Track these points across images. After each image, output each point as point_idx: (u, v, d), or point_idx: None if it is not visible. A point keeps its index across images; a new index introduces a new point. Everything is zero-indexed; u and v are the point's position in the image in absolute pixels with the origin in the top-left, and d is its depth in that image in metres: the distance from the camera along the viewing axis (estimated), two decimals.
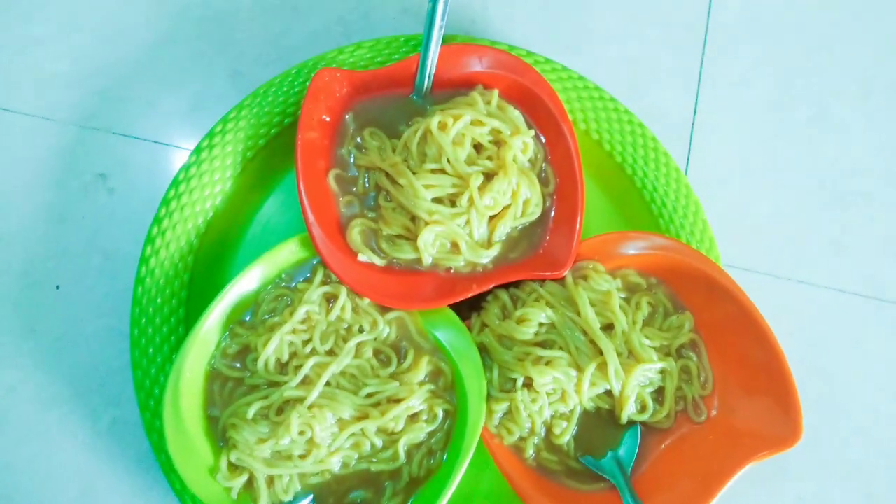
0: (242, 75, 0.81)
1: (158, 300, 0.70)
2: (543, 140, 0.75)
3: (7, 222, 0.76)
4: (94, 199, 0.77)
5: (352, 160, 0.73)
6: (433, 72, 0.74)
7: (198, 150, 0.72)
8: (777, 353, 0.66)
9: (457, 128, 0.71)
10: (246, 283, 0.69)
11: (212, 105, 0.79)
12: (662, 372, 0.69)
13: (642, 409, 0.69)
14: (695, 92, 0.83)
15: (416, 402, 0.67)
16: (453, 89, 0.75)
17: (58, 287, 0.75)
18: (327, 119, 0.73)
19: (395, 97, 0.75)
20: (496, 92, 0.74)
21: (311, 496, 0.66)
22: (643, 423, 0.70)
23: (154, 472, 0.72)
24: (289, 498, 0.65)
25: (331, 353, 0.68)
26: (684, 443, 0.69)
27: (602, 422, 0.70)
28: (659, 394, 0.70)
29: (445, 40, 0.75)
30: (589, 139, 0.77)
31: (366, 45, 0.77)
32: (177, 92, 0.80)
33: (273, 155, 0.75)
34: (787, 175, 0.82)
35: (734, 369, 0.69)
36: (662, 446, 0.69)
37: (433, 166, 0.70)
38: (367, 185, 0.73)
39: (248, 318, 0.70)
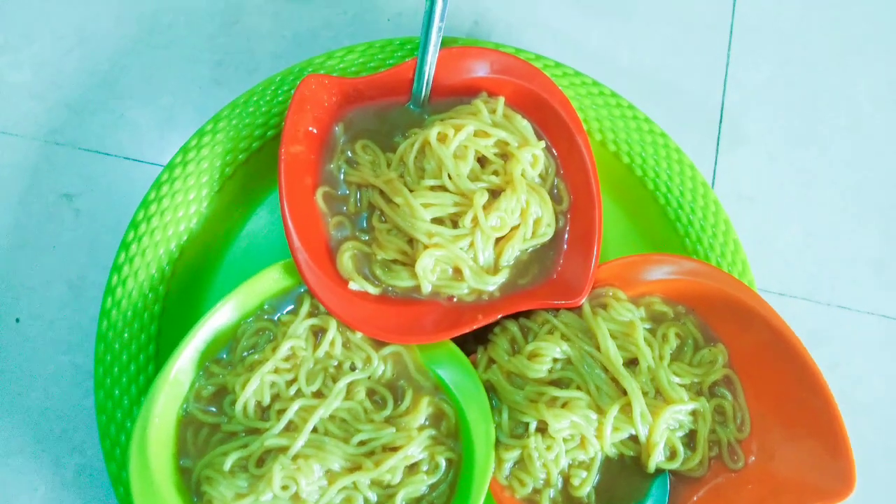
0: (221, 86, 0.73)
1: (125, 335, 0.62)
2: (555, 153, 0.67)
3: None
4: (59, 221, 0.69)
5: (342, 177, 0.66)
6: (431, 78, 0.67)
7: (170, 167, 0.65)
8: (822, 389, 0.59)
9: (458, 139, 0.63)
10: (223, 315, 0.61)
11: (187, 118, 0.72)
12: (694, 413, 0.61)
13: (672, 455, 0.61)
14: (720, 102, 0.76)
15: (415, 450, 0.59)
16: (454, 97, 0.68)
17: (17, 320, 0.67)
18: (314, 131, 0.65)
19: (390, 106, 0.68)
20: (502, 99, 0.66)
21: None
22: (673, 472, 0.62)
23: None
24: None
25: (318, 394, 0.61)
26: (719, 494, 0.61)
27: (626, 470, 0.62)
28: (690, 438, 0.62)
29: (445, 43, 0.67)
30: (606, 151, 0.70)
31: (357, 50, 0.70)
32: (149, 104, 0.72)
33: (254, 172, 0.68)
34: (821, 190, 0.74)
35: (774, 409, 0.61)
36: (695, 498, 0.61)
37: (432, 182, 0.63)
38: (358, 204, 0.66)
39: (225, 356, 0.62)
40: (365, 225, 0.65)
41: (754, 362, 0.62)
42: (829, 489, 0.57)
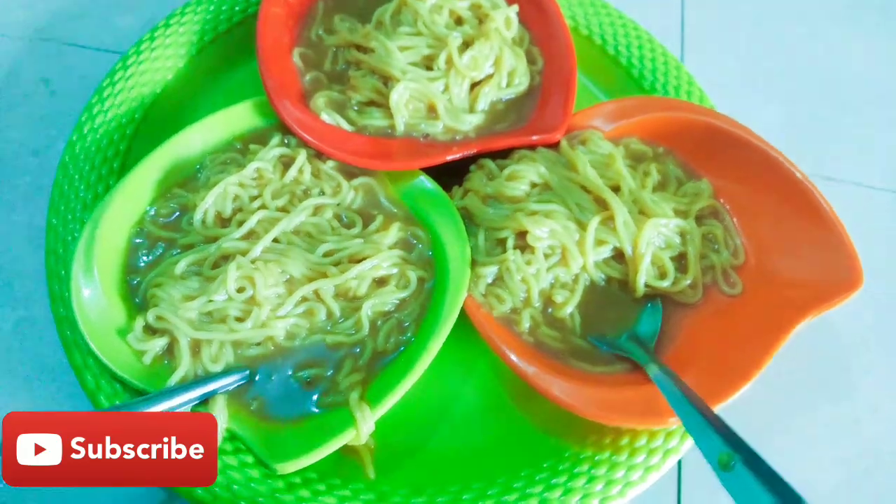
0: None
1: (87, 167, 0.60)
2: (529, 28, 0.69)
3: None
4: (33, 101, 0.69)
5: (319, 42, 0.67)
6: None
7: (153, 30, 0.67)
8: (811, 195, 0.56)
9: None
10: (190, 141, 0.59)
11: None
12: (682, 234, 0.58)
13: (661, 275, 0.56)
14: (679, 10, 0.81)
15: (384, 261, 0.55)
16: None
17: None
18: (292, 2, 0.68)
19: None
20: None
21: (246, 372, 0.51)
22: (666, 298, 0.56)
23: (59, 383, 0.57)
24: (218, 368, 0.50)
25: (283, 210, 0.57)
26: (720, 318, 0.55)
27: (614, 299, 0.57)
28: (681, 261, 0.58)
29: None
30: (578, 35, 0.72)
31: None
32: (134, 11, 0.75)
33: (234, 41, 0.69)
34: (790, 83, 0.77)
35: (769, 232, 0.58)
36: (692, 324, 0.55)
37: (408, 30, 0.64)
38: (335, 64, 0.66)
39: (188, 183, 0.59)
40: (340, 80, 0.65)
41: (741, 191, 0.60)
42: (837, 286, 0.52)
